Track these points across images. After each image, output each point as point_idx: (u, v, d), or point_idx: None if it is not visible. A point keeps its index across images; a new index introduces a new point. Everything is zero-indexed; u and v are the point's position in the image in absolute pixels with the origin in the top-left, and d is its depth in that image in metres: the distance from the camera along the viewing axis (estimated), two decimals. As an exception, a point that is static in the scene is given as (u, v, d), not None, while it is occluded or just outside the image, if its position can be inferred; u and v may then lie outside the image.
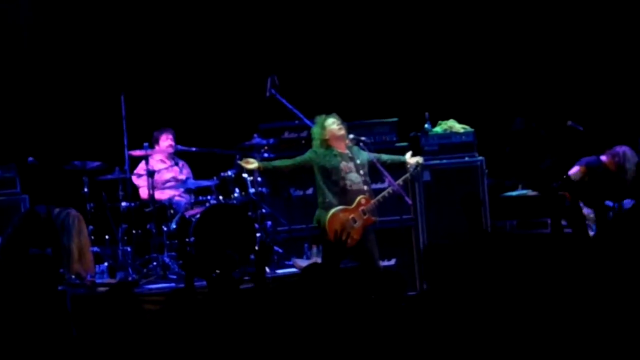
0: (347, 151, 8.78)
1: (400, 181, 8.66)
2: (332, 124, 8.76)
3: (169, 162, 10.32)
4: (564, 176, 9.70)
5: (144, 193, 10.18)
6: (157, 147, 10.27)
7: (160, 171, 10.17)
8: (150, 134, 10.33)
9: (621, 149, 9.33)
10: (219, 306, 5.10)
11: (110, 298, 4.87)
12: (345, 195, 8.63)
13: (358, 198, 8.64)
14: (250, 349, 4.67)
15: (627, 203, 9.22)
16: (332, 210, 8.57)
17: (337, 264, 8.28)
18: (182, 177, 10.25)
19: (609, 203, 9.19)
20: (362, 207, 8.62)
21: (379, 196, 8.67)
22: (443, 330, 4.65)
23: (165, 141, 10.31)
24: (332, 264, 8.07)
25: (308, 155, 8.81)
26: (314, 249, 9.71)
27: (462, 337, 4.61)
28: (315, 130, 8.86)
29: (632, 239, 6.29)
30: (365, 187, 8.73)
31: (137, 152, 9.89)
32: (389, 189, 8.65)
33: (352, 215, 8.58)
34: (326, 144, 8.74)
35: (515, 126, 11.03)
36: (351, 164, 8.73)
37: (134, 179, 10.17)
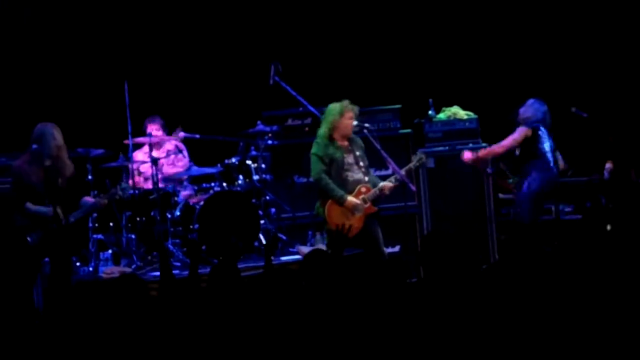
0: (347, 143, 8.75)
1: (403, 170, 8.63)
2: (350, 119, 8.67)
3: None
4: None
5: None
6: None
7: (160, 160, 10.11)
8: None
9: None
10: (222, 293, 5.10)
11: (117, 286, 4.87)
12: (345, 187, 8.62)
13: (358, 186, 8.63)
14: (253, 336, 4.67)
15: None
16: (331, 199, 8.58)
17: (340, 251, 8.28)
18: (179, 169, 10.20)
19: None
20: (362, 196, 8.60)
21: (380, 185, 8.64)
22: (440, 319, 4.65)
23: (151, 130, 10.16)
24: (335, 251, 8.07)
25: (316, 151, 8.72)
26: (318, 236, 9.71)
27: (460, 325, 4.62)
28: (332, 112, 8.73)
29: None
30: (366, 178, 8.71)
31: (141, 139, 9.89)
32: (392, 178, 8.62)
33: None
34: (332, 133, 8.68)
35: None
36: (351, 157, 8.72)
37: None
